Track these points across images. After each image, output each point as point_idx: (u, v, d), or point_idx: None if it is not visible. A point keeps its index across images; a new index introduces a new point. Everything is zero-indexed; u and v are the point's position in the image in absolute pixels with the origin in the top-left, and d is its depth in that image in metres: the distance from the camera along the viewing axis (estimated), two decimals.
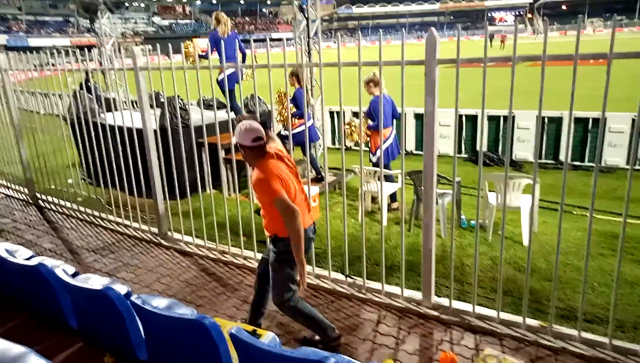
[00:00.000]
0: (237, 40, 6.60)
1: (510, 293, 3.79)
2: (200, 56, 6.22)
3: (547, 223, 5.22)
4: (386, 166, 5.72)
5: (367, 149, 5.97)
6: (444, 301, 3.55)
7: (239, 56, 6.55)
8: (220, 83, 5.71)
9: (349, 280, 3.97)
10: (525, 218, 4.74)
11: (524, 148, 8.16)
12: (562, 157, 7.90)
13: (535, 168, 3.10)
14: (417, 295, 3.66)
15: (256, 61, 4.14)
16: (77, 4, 11.57)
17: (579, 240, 4.71)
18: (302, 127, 6.34)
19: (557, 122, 7.88)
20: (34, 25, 55.29)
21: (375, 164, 5.73)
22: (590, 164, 7.68)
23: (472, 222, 5.26)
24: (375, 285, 3.85)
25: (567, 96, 2.73)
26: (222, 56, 4.06)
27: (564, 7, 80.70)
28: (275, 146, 3.00)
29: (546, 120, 7.91)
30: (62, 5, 61.50)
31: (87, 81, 6.81)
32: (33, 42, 47.66)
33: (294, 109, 6.24)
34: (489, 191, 5.19)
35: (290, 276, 2.97)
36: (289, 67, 3.83)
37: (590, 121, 7.60)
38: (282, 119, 6.60)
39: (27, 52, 6.47)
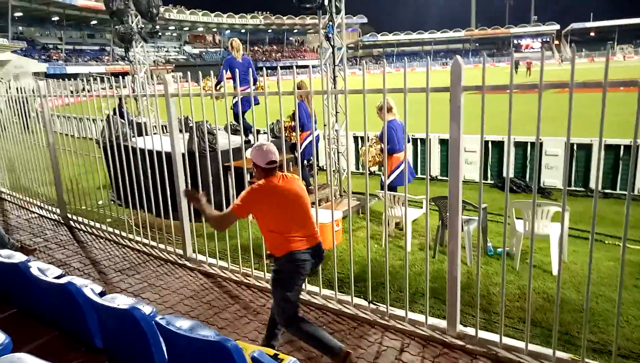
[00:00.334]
0: (249, 66, 6.82)
1: (539, 324, 3.67)
2: (218, 82, 6.48)
3: (578, 252, 5.06)
4: (400, 189, 5.76)
5: (380, 173, 6.01)
6: (470, 331, 3.46)
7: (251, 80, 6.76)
8: (234, 106, 5.92)
9: (372, 306, 3.91)
10: (554, 246, 4.62)
11: (553, 174, 7.99)
12: (592, 184, 7.70)
13: (564, 195, 3.04)
14: (442, 323, 3.58)
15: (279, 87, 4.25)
16: (113, 34, 12.08)
17: (612, 270, 4.54)
18: (309, 139, 6.54)
19: (586, 149, 7.71)
20: (72, 54, 57.94)
21: (389, 188, 5.76)
22: (622, 192, 7.45)
23: (499, 250, 5.14)
24: (399, 312, 3.78)
25: (597, 123, 2.68)
26: (235, 80, 4.21)
27: (592, 34, 79.95)
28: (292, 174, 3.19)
29: (575, 147, 7.75)
30: (99, 35, 64.47)
31: (120, 106, 7.06)
32: (71, 69, 49.88)
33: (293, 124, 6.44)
34: (516, 218, 5.09)
35: (284, 297, 3.03)
36: (315, 95, 3.90)
37: (622, 148, 7.41)
38: (288, 136, 6.74)
39: (65, 79, 6.78)
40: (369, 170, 8.10)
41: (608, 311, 3.78)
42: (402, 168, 5.76)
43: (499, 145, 8.50)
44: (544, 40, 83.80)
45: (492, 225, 5.93)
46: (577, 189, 7.82)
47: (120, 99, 5.93)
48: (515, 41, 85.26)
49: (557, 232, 4.53)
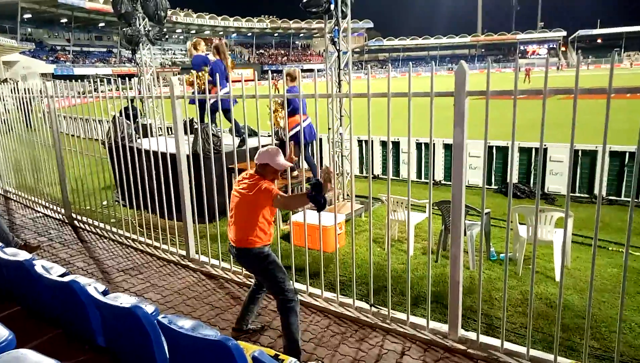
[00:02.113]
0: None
1: (541, 330, 3.66)
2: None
3: (581, 258, 5.05)
4: (298, 143, 5.99)
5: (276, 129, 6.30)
6: (471, 335, 3.45)
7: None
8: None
9: (373, 309, 3.92)
10: (557, 252, 4.60)
11: (557, 180, 7.97)
12: (597, 191, 7.67)
13: (567, 201, 3.04)
14: (444, 327, 3.58)
15: (277, 90, 4.33)
16: (121, 36, 12.16)
17: (615, 276, 4.52)
18: (298, 128, 6.52)
19: (591, 155, 7.69)
20: (80, 56, 58.39)
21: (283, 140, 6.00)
22: (627, 199, 7.42)
23: (502, 255, 5.13)
24: (401, 316, 3.78)
25: (603, 129, 2.68)
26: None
27: (599, 41, 79.73)
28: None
29: (580, 153, 7.73)
30: (107, 37, 64.91)
31: (127, 108, 7.08)
32: (78, 71, 50.27)
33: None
34: (520, 223, 5.08)
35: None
36: (319, 98, 3.92)
37: (627, 155, 7.39)
38: (276, 123, 6.77)
39: (72, 80, 6.83)
40: (373, 174, 8.07)
41: (611, 317, 3.77)
42: (298, 129, 5.95)
43: (503, 150, 8.49)
44: (550, 46, 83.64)
45: (496, 230, 5.91)
46: (582, 195, 7.80)
47: (131, 100, 5.97)
48: (522, 47, 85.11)
49: (560, 238, 4.52)
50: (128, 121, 6.79)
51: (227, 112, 6.56)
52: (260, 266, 3.36)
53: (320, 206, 2.97)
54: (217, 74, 4.96)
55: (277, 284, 3.32)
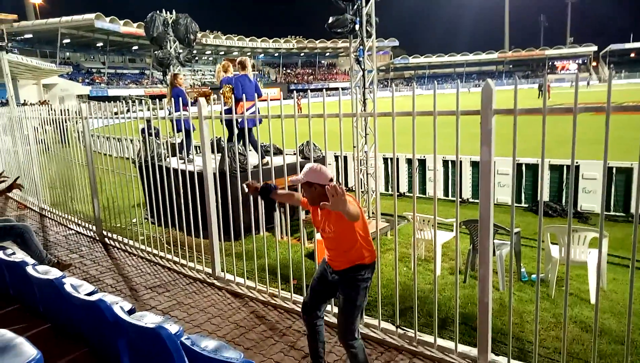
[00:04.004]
0: (256, 83, 7.22)
1: (576, 356, 3.50)
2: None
3: (618, 280, 4.84)
4: (249, 131, 6.34)
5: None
6: (502, 360, 3.32)
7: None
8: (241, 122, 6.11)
9: (399, 331, 3.83)
10: (592, 273, 4.43)
11: (590, 199, 7.72)
12: (633, 209, 7.39)
13: (601, 220, 2.92)
14: (473, 351, 3.46)
15: (300, 110, 4.37)
16: (153, 58, 12.58)
17: None
18: (252, 109, 6.64)
19: (626, 172, 7.43)
20: (114, 78, 60.63)
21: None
22: None
23: (533, 276, 4.96)
24: (428, 338, 3.68)
25: (638, 146, 2.58)
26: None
27: (632, 55, 77.75)
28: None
29: (614, 170, 7.48)
30: (140, 60, 67.29)
31: (143, 129, 7.23)
32: (112, 92, 52.12)
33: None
34: (552, 243, 4.92)
35: (361, 307, 3.09)
36: (344, 117, 3.93)
37: None
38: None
39: (106, 101, 7.06)
40: (399, 191, 7.95)
41: None
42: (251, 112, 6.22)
43: (533, 167, 8.31)
44: (580, 62, 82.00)
45: (527, 250, 5.75)
46: (617, 214, 7.53)
47: (148, 121, 6.14)
48: (551, 63, 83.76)
49: (595, 258, 4.35)
50: (158, 140, 6.96)
51: (249, 131, 6.72)
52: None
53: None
54: (240, 87, 5.17)
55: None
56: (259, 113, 5.21)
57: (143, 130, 6.67)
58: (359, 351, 3.06)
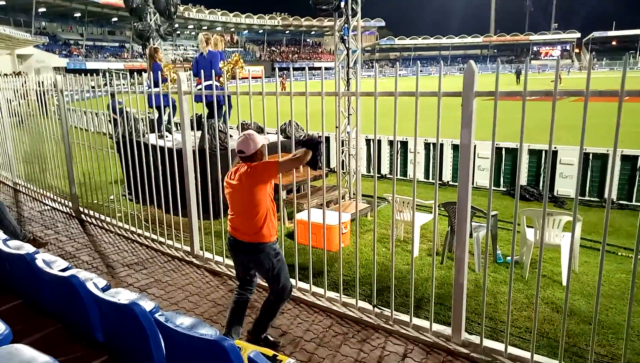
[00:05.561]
0: (211, 59, 7.13)
1: (546, 335, 3.60)
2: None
3: (589, 263, 4.97)
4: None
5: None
6: (475, 339, 3.41)
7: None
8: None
9: (376, 310, 3.88)
10: (565, 256, 4.53)
11: (567, 184, 7.86)
12: (607, 195, 7.56)
13: (575, 204, 2.98)
14: (447, 330, 3.54)
15: (284, 89, 4.29)
16: (132, 31, 12.23)
17: (624, 282, 4.45)
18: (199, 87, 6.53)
19: (602, 159, 7.57)
20: (92, 50, 58.83)
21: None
22: (638, 203, 7.30)
23: (509, 258, 5.07)
24: (404, 317, 3.74)
25: (614, 132, 2.62)
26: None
27: (614, 43, 78.70)
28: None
29: (591, 156, 7.62)
30: (119, 32, 65.34)
31: (108, 105, 7.00)
32: (90, 65, 50.63)
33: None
34: (528, 226, 5.01)
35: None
36: (326, 96, 3.88)
37: (639, 159, 7.27)
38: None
39: (84, 74, 6.85)
40: (379, 173, 7.99)
41: (618, 324, 3.70)
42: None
43: (512, 152, 8.40)
44: (564, 48, 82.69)
45: (503, 233, 5.85)
46: (592, 199, 7.69)
47: (112, 95, 5.97)
48: (535, 48, 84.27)
49: (568, 242, 4.44)
50: (115, 115, 6.77)
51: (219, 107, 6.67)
52: (272, 263, 3.25)
53: (315, 159, 3.11)
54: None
55: (284, 284, 3.31)
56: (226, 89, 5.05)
57: (110, 104, 6.46)
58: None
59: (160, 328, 2.04)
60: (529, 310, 3.98)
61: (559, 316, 3.83)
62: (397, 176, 9.05)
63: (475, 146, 3.24)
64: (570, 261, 3.22)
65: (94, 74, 6.71)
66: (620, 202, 7.39)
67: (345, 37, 7.08)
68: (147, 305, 2.39)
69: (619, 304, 4.02)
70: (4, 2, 49.11)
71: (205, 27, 71.54)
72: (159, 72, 6.29)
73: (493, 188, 5.89)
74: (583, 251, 5.29)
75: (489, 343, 3.37)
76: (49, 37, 52.61)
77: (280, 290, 3.31)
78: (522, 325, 3.75)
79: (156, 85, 5.36)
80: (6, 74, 8.52)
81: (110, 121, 7.24)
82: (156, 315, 2.04)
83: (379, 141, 9.65)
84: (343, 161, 7.31)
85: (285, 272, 3.32)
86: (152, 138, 6.26)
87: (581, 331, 3.63)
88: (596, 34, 77.25)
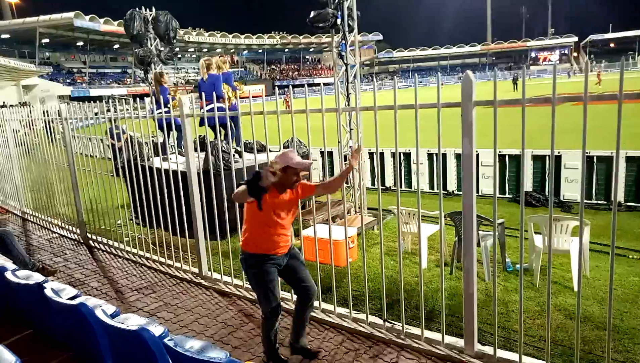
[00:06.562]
0: (213, 82, 7.13)
1: (560, 343, 3.55)
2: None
3: (600, 267, 4.92)
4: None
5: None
6: (488, 350, 3.36)
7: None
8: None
9: (387, 324, 3.85)
10: (575, 261, 4.49)
11: (573, 188, 7.82)
12: (613, 198, 7.51)
13: (581, 208, 2.96)
14: (459, 342, 3.49)
15: (286, 106, 4.34)
16: (134, 57, 12.41)
17: (637, 285, 4.39)
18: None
19: (607, 161, 7.54)
20: (96, 77, 59.68)
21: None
22: None
23: (518, 266, 5.02)
24: (415, 331, 3.71)
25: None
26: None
27: (612, 45, 78.85)
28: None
29: (595, 159, 7.59)
30: (121, 59, 66.32)
31: (111, 128, 7.10)
32: (94, 92, 51.29)
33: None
34: (535, 233, 4.98)
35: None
36: (326, 112, 3.91)
37: None
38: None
39: (88, 101, 6.94)
40: (384, 185, 7.99)
41: (634, 329, 3.64)
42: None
43: (516, 159, 8.38)
44: (562, 52, 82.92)
45: (511, 240, 5.81)
46: (599, 202, 7.64)
47: (111, 121, 6.06)
48: (533, 54, 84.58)
49: (577, 247, 4.41)
50: (113, 141, 6.86)
51: (224, 128, 6.71)
52: (248, 275, 3.40)
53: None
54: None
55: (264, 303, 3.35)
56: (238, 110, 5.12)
57: (109, 130, 6.55)
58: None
59: (170, 353, 2.03)
60: (541, 318, 3.93)
61: (573, 323, 3.78)
62: (401, 187, 9.04)
63: (478, 154, 3.24)
64: (580, 266, 3.19)
65: (97, 101, 6.79)
66: (628, 204, 7.33)
67: (343, 53, 7.16)
68: (157, 329, 2.39)
69: (633, 308, 3.96)
70: (8, 35, 50.10)
71: (206, 50, 72.48)
72: (168, 93, 6.41)
73: (499, 195, 5.90)
74: (593, 255, 5.23)
75: (502, 353, 3.33)
76: (52, 66, 53.49)
77: (263, 308, 3.37)
78: (536, 334, 3.70)
79: (166, 104, 5.54)
80: (12, 105, 8.65)
81: (108, 146, 7.32)
82: (165, 340, 2.04)
83: (382, 153, 9.67)
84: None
85: (264, 292, 3.28)
86: (157, 162, 6.31)
87: (596, 337, 3.58)
88: (594, 36, 77.49)
